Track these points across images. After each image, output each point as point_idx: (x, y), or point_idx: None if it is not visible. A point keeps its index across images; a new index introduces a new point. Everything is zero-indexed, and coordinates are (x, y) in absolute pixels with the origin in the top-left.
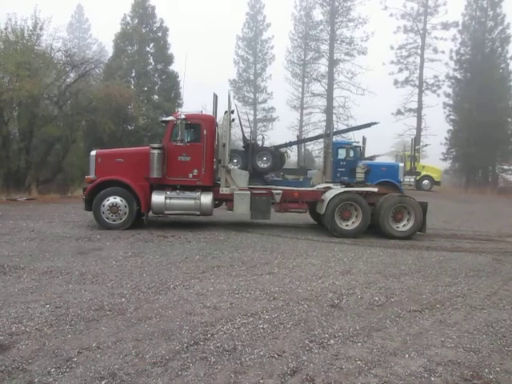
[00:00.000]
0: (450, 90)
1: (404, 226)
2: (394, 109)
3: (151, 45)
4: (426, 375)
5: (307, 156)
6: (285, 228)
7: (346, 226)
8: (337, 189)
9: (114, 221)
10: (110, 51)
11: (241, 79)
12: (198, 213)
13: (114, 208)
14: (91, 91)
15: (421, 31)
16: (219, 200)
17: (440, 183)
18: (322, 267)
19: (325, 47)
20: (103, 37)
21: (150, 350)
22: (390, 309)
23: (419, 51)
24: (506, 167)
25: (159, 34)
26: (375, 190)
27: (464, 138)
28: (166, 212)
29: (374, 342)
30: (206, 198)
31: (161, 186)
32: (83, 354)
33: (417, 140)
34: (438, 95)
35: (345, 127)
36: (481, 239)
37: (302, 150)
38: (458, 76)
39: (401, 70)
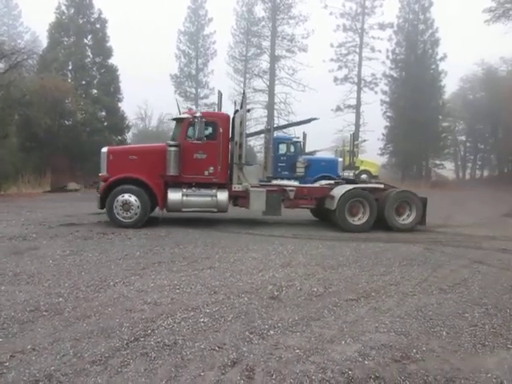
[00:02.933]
0: (386, 88)
1: (406, 219)
2: (333, 105)
3: (89, 37)
4: (360, 359)
5: (249, 151)
6: (227, 223)
7: (354, 221)
8: (346, 186)
9: (126, 218)
10: (44, 42)
11: (182, 74)
12: (215, 210)
13: (126, 206)
14: (24, 83)
15: (359, 30)
16: (231, 197)
17: (378, 177)
18: (262, 260)
19: (266, 43)
20: (36, 25)
21: (88, 348)
22: (328, 299)
23: (358, 50)
24: (437, 162)
25: (97, 26)
26: (381, 186)
27: (399, 134)
28: (183, 209)
29: (313, 331)
30: (223, 195)
31: (176, 183)
32: (16, 357)
33: (355, 135)
34: (376, 92)
35: (286, 123)
36: (416, 230)
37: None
38: (394, 75)
39: (340, 68)
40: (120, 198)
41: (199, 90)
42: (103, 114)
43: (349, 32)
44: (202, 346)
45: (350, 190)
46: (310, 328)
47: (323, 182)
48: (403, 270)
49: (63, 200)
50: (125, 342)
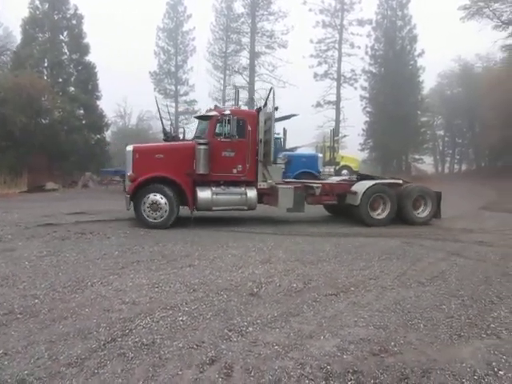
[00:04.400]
0: (366, 84)
1: (421, 213)
2: (314, 101)
3: (65, 33)
4: (339, 354)
5: None
6: (207, 220)
7: (375, 215)
8: (367, 182)
9: (155, 218)
10: (18, 37)
11: (162, 71)
12: (246, 207)
13: (154, 205)
14: None
15: (338, 27)
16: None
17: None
18: (242, 257)
19: (246, 40)
20: (9, 20)
21: (64, 350)
22: (308, 294)
23: (337, 46)
24: (417, 157)
25: (73, 22)
26: (400, 181)
27: (379, 129)
28: (214, 208)
29: (292, 327)
30: (252, 193)
31: (203, 182)
32: None
33: (336, 131)
34: (356, 88)
35: None
36: (394, 224)
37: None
38: (373, 70)
39: (320, 64)
40: (148, 197)
41: (179, 87)
42: (81, 111)
43: (328, 28)
44: (181, 345)
45: (372, 185)
46: (289, 324)
47: (337, 179)
48: (382, 264)
49: (41, 200)
50: (102, 342)
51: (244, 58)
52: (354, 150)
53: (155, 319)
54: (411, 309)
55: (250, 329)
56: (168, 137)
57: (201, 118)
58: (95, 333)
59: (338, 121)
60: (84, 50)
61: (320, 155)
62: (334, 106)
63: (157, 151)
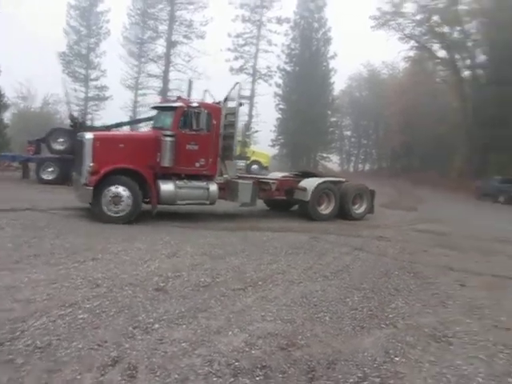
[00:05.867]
0: (280, 81)
1: (358, 208)
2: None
3: None
4: (247, 349)
5: None
6: None
7: (322, 211)
8: (315, 178)
9: (116, 213)
10: None
11: (72, 52)
12: (208, 202)
13: (116, 199)
14: None
15: (257, 22)
16: None
17: (268, 168)
18: (148, 251)
19: (163, 27)
20: None
21: None
22: (216, 289)
23: (255, 41)
24: (324, 155)
25: None
26: (343, 179)
27: (291, 126)
28: (178, 202)
29: (199, 323)
30: (213, 187)
31: (164, 175)
32: None
33: (248, 126)
34: (270, 85)
35: None
36: (302, 219)
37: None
38: (288, 69)
39: (237, 58)
40: (110, 190)
41: (90, 71)
42: None
43: (247, 23)
44: (80, 346)
45: (322, 182)
46: (197, 320)
47: (280, 175)
48: (289, 259)
49: None
50: None
51: (160, 47)
52: (265, 145)
53: (52, 318)
54: (317, 302)
55: (156, 326)
56: (75, 123)
57: (161, 108)
58: None
59: (251, 116)
60: None
61: None
62: (248, 101)
63: (119, 141)
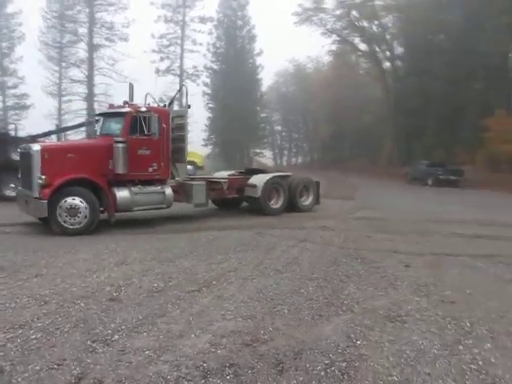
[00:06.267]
0: (208, 80)
1: (305, 200)
2: (156, 97)
3: None
4: (212, 349)
5: None
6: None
7: (272, 205)
8: (263, 175)
9: (75, 224)
10: None
11: None
12: (165, 206)
13: (73, 210)
14: None
15: (180, 23)
16: None
17: (203, 168)
18: (94, 261)
19: (83, 30)
20: None
21: None
22: (170, 293)
23: (179, 42)
24: (257, 151)
25: None
26: (290, 174)
27: (221, 125)
28: (135, 208)
29: (160, 329)
30: (169, 191)
31: (118, 182)
32: None
33: None
34: (198, 84)
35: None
36: (244, 216)
37: (63, 139)
38: (215, 67)
39: (162, 59)
40: (66, 201)
41: (5, 79)
42: None
43: (170, 23)
44: (38, 367)
45: (271, 178)
46: (157, 326)
47: (226, 174)
48: (239, 256)
49: None
50: None
51: (82, 50)
52: (198, 145)
53: (1, 343)
54: (273, 296)
55: (116, 336)
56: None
57: (110, 114)
58: None
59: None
60: None
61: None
62: (178, 102)
63: (69, 150)
